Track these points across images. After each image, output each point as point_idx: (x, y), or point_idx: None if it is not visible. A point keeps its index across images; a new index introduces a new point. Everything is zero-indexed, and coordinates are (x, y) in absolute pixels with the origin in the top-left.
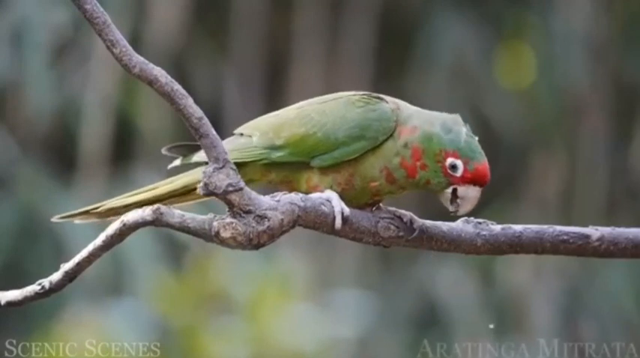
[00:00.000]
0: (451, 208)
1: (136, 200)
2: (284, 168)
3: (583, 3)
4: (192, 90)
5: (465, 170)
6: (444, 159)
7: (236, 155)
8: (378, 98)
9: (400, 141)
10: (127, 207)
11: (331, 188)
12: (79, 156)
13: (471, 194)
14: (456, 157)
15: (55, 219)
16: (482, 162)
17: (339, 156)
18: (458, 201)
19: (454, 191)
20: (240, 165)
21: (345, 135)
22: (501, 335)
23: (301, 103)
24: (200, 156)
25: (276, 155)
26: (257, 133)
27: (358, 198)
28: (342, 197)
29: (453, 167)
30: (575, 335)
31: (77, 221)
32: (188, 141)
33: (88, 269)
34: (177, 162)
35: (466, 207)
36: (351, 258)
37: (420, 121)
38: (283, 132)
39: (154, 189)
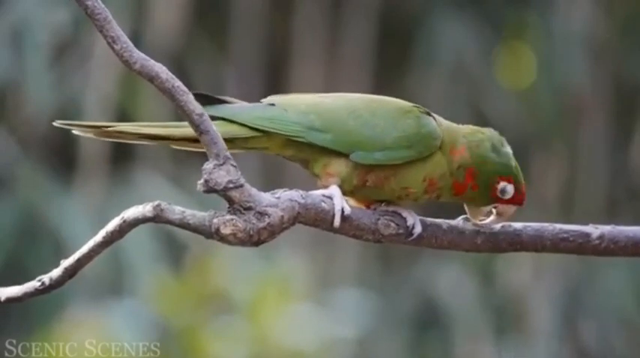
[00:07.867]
0: (487, 221)
1: (147, 132)
2: (311, 148)
3: (583, 3)
4: (192, 90)
5: (515, 194)
6: (497, 183)
7: (266, 123)
8: (427, 113)
9: (454, 164)
10: (135, 136)
11: (347, 181)
12: (79, 156)
13: (509, 211)
14: (510, 182)
15: (57, 123)
16: (524, 184)
17: (382, 159)
18: (492, 216)
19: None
20: (263, 132)
21: (393, 142)
22: (501, 335)
23: (335, 94)
24: (222, 111)
25: (317, 138)
26: (294, 110)
27: (378, 196)
28: (358, 193)
29: (504, 191)
30: (575, 335)
31: (75, 131)
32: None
33: (88, 270)
34: None
35: (500, 222)
36: (351, 258)
37: (465, 140)
38: (328, 118)
39: (168, 127)
